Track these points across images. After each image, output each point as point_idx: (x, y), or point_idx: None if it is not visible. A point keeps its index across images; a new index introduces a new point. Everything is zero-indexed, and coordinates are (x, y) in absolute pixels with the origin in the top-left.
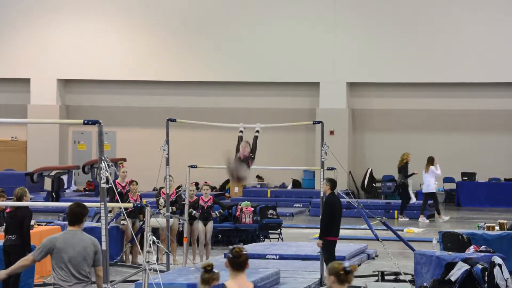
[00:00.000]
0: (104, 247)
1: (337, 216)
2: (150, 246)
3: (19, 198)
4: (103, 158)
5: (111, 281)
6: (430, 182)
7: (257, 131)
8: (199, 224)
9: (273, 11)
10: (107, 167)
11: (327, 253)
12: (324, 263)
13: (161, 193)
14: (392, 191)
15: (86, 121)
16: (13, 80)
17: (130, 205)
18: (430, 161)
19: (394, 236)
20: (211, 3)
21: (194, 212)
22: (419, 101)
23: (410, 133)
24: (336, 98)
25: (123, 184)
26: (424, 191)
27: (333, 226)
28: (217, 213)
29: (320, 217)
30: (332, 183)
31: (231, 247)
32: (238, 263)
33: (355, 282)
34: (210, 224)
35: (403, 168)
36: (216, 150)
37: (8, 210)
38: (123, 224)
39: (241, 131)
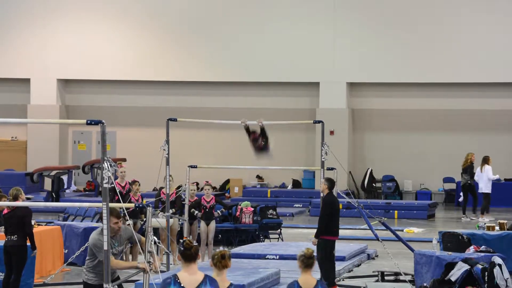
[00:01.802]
0: (105, 247)
1: (337, 216)
2: (151, 246)
3: (15, 198)
4: (106, 158)
5: (112, 281)
6: (488, 181)
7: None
8: (201, 224)
9: (273, 11)
10: (109, 167)
11: (323, 252)
12: (317, 262)
13: (161, 193)
14: (392, 191)
15: (89, 121)
16: (13, 80)
17: (132, 205)
18: (486, 160)
19: (394, 236)
20: (211, 3)
21: (196, 212)
22: (419, 101)
23: (410, 133)
24: (336, 98)
25: (123, 184)
26: (484, 190)
27: (333, 226)
28: (219, 212)
29: (319, 216)
30: (331, 183)
31: (181, 240)
32: (189, 255)
33: (355, 282)
34: (213, 224)
35: (469, 168)
36: (216, 150)
37: (5, 211)
38: (128, 225)
39: (243, 123)
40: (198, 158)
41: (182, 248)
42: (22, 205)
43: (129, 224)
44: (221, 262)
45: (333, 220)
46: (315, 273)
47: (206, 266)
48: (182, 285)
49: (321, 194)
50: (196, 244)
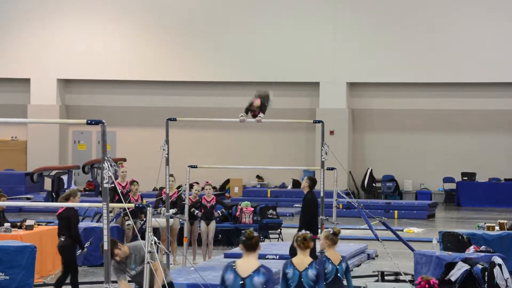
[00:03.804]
0: (105, 247)
1: (316, 215)
2: (151, 246)
3: (66, 199)
4: (106, 158)
5: (113, 281)
6: None
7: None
8: (201, 224)
9: (273, 11)
10: (110, 166)
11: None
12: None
13: (162, 193)
14: (392, 191)
15: (89, 121)
16: (13, 80)
17: (132, 205)
18: None
19: (394, 236)
20: (211, 3)
21: (196, 211)
22: (419, 101)
23: (410, 133)
24: (336, 98)
25: (123, 184)
26: None
27: (316, 224)
28: (220, 213)
29: (301, 214)
30: (313, 181)
31: (243, 231)
32: (249, 245)
33: (355, 282)
34: (213, 224)
35: None
36: (216, 150)
37: (59, 212)
38: (128, 225)
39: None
40: (198, 158)
41: (244, 238)
42: (70, 207)
43: (128, 225)
44: (303, 243)
45: (314, 218)
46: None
47: (208, 266)
48: (237, 271)
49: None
50: (257, 235)
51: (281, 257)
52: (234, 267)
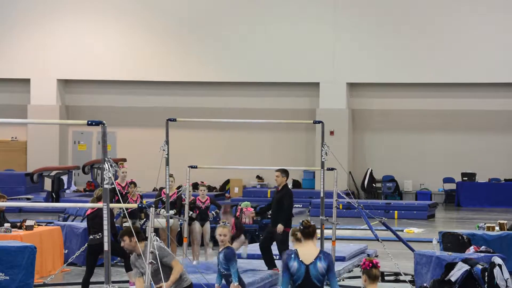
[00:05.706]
0: (105, 248)
1: (292, 209)
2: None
3: (99, 199)
4: (106, 158)
5: (113, 282)
6: None
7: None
8: (196, 225)
9: (273, 11)
10: (110, 167)
11: (286, 244)
12: (280, 253)
13: (162, 193)
14: (392, 191)
15: (89, 122)
16: (13, 80)
17: (135, 205)
18: None
19: (394, 236)
20: (211, 3)
21: (191, 212)
22: (419, 101)
23: (410, 133)
24: (336, 98)
25: (123, 185)
26: None
27: (290, 218)
28: (214, 213)
29: (277, 208)
30: (287, 175)
31: (301, 220)
32: (307, 233)
33: (355, 282)
34: (207, 225)
35: None
36: (216, 150)
37: (88, 212)
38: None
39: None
40: (198, 158)
41: (302, 227)
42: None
43: (128, 225)
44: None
45: (290, 212)
46: None
47: (208, 266)
48: (300, 259)
49: (278, 185)
50: (314, 224)
51: (281, 257)
52: (297, 255)
